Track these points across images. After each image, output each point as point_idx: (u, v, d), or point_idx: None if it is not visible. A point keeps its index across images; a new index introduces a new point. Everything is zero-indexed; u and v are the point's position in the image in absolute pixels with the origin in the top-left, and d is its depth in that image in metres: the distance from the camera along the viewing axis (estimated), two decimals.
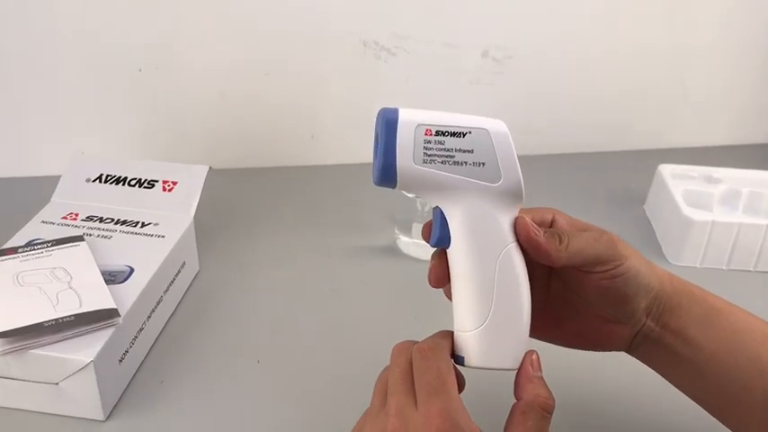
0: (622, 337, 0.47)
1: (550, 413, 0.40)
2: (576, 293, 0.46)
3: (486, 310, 0.42)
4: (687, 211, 0.78)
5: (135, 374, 0.60)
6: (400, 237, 0.80)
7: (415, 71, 0.95)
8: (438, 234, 0.43)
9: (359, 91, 0.96)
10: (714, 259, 0.79)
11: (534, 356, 0.43)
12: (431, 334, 0.44)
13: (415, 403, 0.39)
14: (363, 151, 1.00)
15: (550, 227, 0.46)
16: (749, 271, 0.79)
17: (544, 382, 0.42)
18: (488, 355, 0.43)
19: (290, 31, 0.90)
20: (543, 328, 0.48)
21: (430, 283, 0.45)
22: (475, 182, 0.41)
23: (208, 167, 0.74)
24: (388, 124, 0.41)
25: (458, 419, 0.38)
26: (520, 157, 0.42)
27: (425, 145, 0.41)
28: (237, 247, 0.79)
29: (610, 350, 0.48)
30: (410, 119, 0.41)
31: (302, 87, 0.94)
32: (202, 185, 0.73)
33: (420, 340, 0.43)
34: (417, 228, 0.76)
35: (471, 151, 0.41)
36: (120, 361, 0.57)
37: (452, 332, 0.44)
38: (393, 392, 0.40)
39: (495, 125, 0.42)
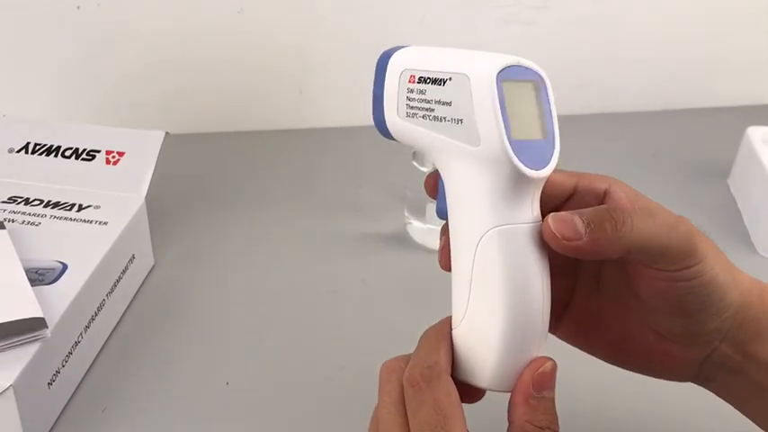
0: (683, 364, 0.45)
1: None
2: (629, 286, 0.45)
3: (462, 310, 0.42)
4: None
5: (69, 401, 0.60)
6: (411, 221, 0.79)
7: (431, 7, 0.94)
8: (438, 203, 0.44)
9: (360, 34, 0.94)
10: None
11: (542, 369, 0.41)
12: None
13: None
14: (366, 110, 1.00)
15: (602, 202, 0.45)
16: None
17: (547, 404, 0.40)
18: (463, 364, 0.43)
19: None
20: (583, 329, 0.48)
21: (440, 265, 0.45)
22: (453, 143, 0.41)
23: (164, 133, 0.74)
24: (378, 69, 0.44)
25: None
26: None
27: (408, 95, 0.42)
28: (203, 235, 0.79)
29: (666, 378, 0.47)
30: (400, 61, 0.43)
31: (287, 29, 0.93)
32: (157, 156, 0.72)
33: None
34: (433, 209, 0.75)
35: (450, 104, 0.41)
36: (50, 384, 0.56)
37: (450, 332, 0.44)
38: None
39: (480, 68, 0.40)
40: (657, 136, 0.99)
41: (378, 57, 0.44)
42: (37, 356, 0.54)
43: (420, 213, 0.77)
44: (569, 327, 0.48)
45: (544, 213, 0.45)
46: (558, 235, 0.40)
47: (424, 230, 0.77)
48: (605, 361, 0.48)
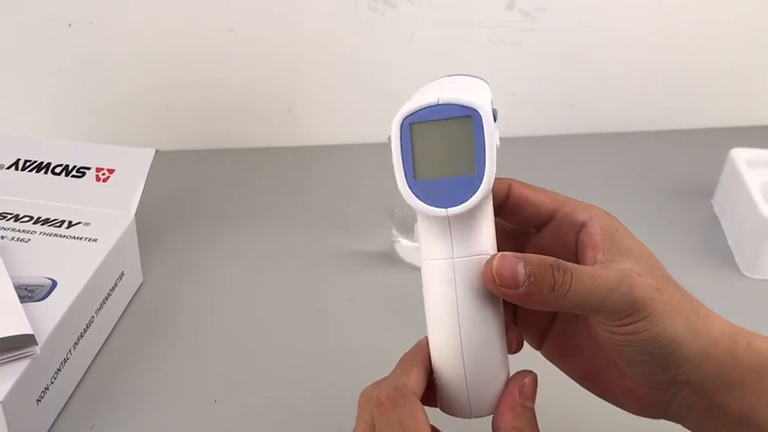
0: (646, 402, 0.44)
1: None
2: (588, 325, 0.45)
3: None
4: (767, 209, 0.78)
5: (58, 417, 0.60)
6: (399, 239, 0.79)
7: (420, 27, 0.94)
8: None
9: (348, 53, 0.95)
10: None
11: (527, 380, 0.42)
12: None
13: None
14: (354, 128, 1.01)
15: (578, 234, 0.45)
16: None
17: (531, 414, 0.42)
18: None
19: None
20: (561, 351, 0.48)
21: None
22: None
23: (154, 151, 0.74)
24: None
25: None
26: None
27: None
28: (192, 252, 0.79)
29: (636, 413, 0.46)
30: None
31: (276, 47, 0.93)
32: (147, 174, 0.73)
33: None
34: None
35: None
36: (39, 401, 0.57)
37: (426, 355, 0.44)
38: None
39: (400, 111, 0.41)
40: (642, 156, 0.99)
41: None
42: (26, 373, 0.54)
43: (408, 231, 0.77)
44: (550, 347, 0.49)
45: (520, 233, 0.48)
46: (495, 278, 0.40)
47: (412, 249, 0.78)
48: (582, 386, 0.48)
